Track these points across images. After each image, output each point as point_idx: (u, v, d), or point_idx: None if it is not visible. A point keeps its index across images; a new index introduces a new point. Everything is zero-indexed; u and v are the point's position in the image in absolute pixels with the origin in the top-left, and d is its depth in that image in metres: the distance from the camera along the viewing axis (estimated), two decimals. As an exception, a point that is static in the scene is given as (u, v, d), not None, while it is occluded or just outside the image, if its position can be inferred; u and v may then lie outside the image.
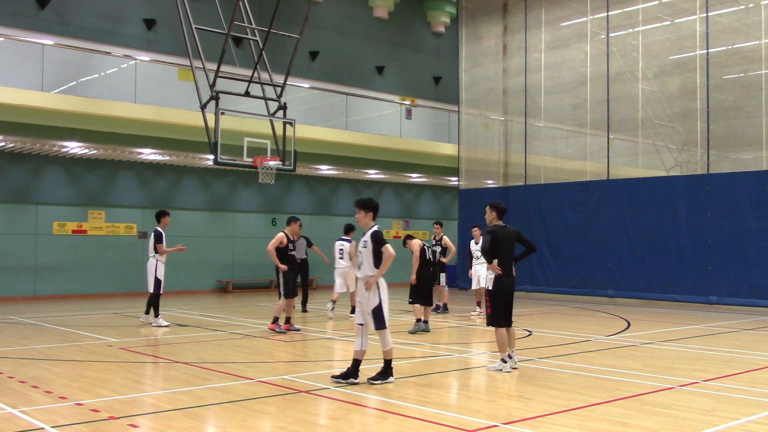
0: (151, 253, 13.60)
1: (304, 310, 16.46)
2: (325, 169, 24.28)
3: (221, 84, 15.11)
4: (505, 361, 8.81)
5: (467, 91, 24.15)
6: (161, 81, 20.19)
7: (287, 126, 15.63)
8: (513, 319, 9.15)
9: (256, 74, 15.70)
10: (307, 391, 7.59)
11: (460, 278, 22.59)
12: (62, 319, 14.81)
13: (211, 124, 14.71)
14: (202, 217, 23.30)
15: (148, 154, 20.65)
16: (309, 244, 16.75)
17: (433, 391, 7.81)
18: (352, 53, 27.01)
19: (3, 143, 18.66)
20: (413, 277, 13.15)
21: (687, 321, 15.05)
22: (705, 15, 18.34)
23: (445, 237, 15.95)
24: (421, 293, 12.98)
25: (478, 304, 15.92)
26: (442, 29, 29.64)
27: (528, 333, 12.66)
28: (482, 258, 15.15)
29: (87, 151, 19.89)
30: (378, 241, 8.04)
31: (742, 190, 17.38)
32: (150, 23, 22.00)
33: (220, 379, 8.33)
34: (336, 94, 23.90)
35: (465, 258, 19.05)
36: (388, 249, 7.98)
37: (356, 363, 8.03)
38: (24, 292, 19.82)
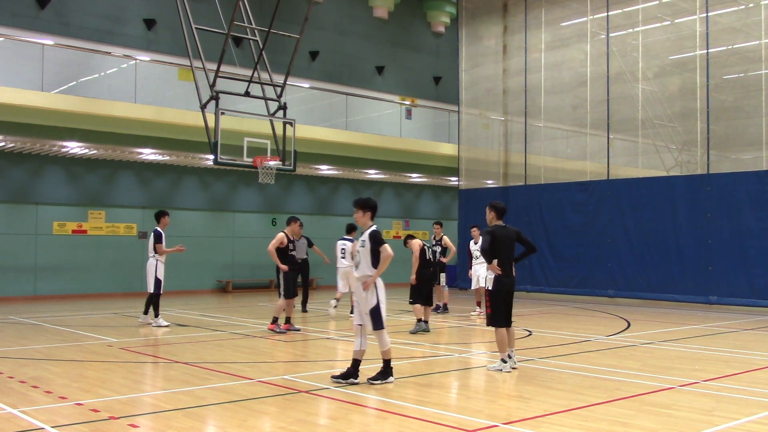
0: (151, 253, 13.60)
1: (304, 310, 16.46)
2: (325, 169, 24.28)
3: (221, 84, 15.11)
4: (505, 361, 8.81)
5: (467, 91, 24.15)
6: (161, 81, 20.20)
7: (287, 126, 15.63)
8: (513, 319, 9.15)
9: (256, 74, 15.70)
10: (307, 391, 7.59)
11: (460, 278, 22.59)
12: (62, 319, 14.81)
13: (211, 124, 14.71)
14: (202, 217, 23.30)
15: (148, 154, 20.66)
16: (310, 245, 16.75)
17: (433, 391, 7.81)
18: (352, 53, 27.01)
19: (3, 143, 18.66)
20: (413, 277, 13.15)
21: (687, 321, 15.05)
22: (705, 15, 18.34)
23: (445, 237, 15.95)
24: (421, 293, 12.98)
25: (478, 304, 15.93)
26: (442, 29, 29.65)
27: (528, 333, 12.66)
28: (482, 258, 15.21)
29: (87, 151, 19.89)
30: (376, 240, 8.03)
31: (742, 190, 17.38)
32: (150, 23, 22.00)
33: (220, 379, 8.33)
34: (336, 94, 23.90)
35: (465, 258, 19.05)
36: (387, 249, 7.97)
37: (356, 363, 8.03)
38: (24, 292, 19.82)
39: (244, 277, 23.98)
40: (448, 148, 24.82)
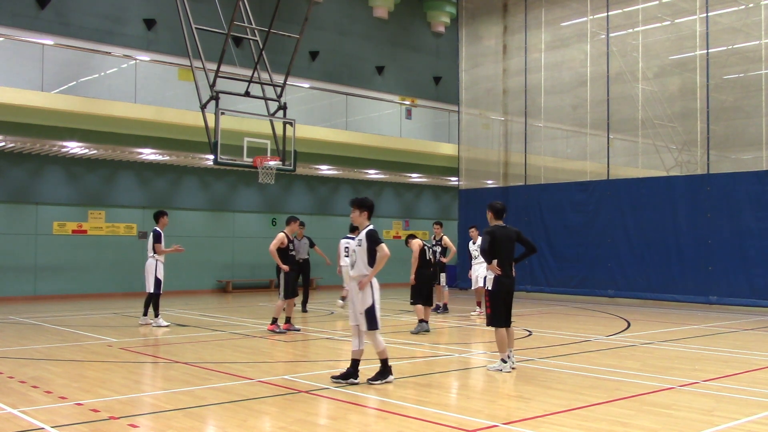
0: (150, 253, 13.61)
1: (304, 310, 16.46)
2: (325, 169, 24.28)
3: (221, 84, 15.11)
4: (505, 361, 8.81)
5: (467, 91, 24.15)
6: (161, 81, 20.19)
7: (287, 126, 15.62)
8: (513, 319, 9.15)
9: (256, 74, 15.70)
10: (307, 391, 7.60)
11: (460, 278, 22.59)
12: (62, 319, 14.81)
13: (211, 124, 14.71)
14: (202, 217, 23.30)
15: (148, 154, 20.66)
16: (312, 245, 16.74)
17: (433, 391, 7.80)
18: (352, 53, 27.01)
19: (3, 143, 18.66)
20: (412, 277, 13.16)
21: (687, 321, 15.05)
22: (705, 15, 18.34)
23: (445, 237, 15.96)
24: (421, 293, 12.99)
25: (478, 304, 15.92)
26: (442, 29, 29.65)
27: (528, 333, 12.66)
28: (481, 258, 15.21)
29: (87, 151, 19.90)
30: (373, 240, 8.03)
31: (742, 190, 17.38)
32: (150, 23, 22.00)
33: (220, 379, 8.33)
34: (336, 94, 23.90)
35: (465, 258, 19.05)
36: (383, 248, 7.97)
37: (355, 363, 8.03)
38: (24, 292, 19.82)
39: (244, 277, 23.98)
40: (448, 148, 24.82)
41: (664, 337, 12.23)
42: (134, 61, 19.73)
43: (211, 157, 15.18)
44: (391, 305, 17.71)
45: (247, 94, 15.55)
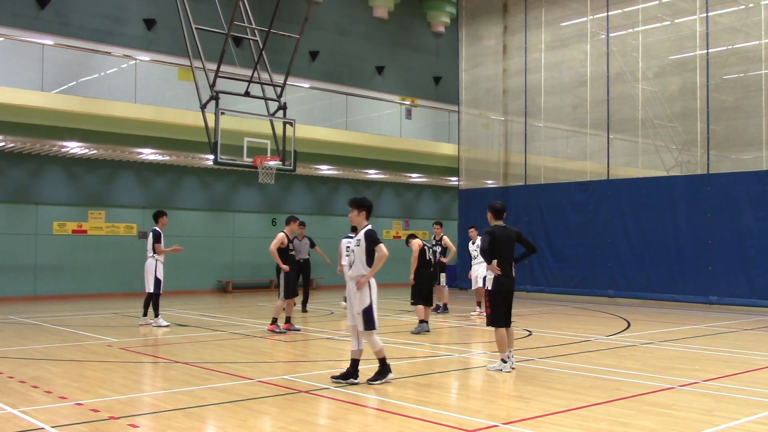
0: (150, 253, 13.61)
1: (304, 310, 16.46)
2: (325, 169, 24.28)
3: (221, 84, 15.11)
4: (505, 361, 8.81)
5: (467, 91, 24.15)
6: (161, 81, 20.19)
7: (287, 126, 15.62)
8: (513, 319, 9.15)
9: (256, 74, 15.70)
10: (307, 391, 7.59)
11: (460, 278, 22.59)
12: (62, 319, 14.81)
13: (211, 124, 14.71)
14: (202, 217, 23.30)
15: (148, 154, 20.66)
16: (312, 245, 16.74)
17: (433, 391, 7.80)
18: (352, 53, 27.01)
19: (3, 143, 18.66)
20: (411, 277, 13.16)
21: (687, 321, 15.05)
22: (705, 15, 18.33)
23: (445, 237, 15.95)
24: (421, 293, 12.99)
25: (478, 304, 15.92)
26: (442, 29, 29.65)
27: (528, 333, 12.65)
28: (480, 258, 15.23)
29: (87, 151, 19.90)
30: (372, 239, 8.02)
31: (742, 190, 17.37)
32: (150, 23, 22.00)
33: (220, 379, 8.33)
34: (336, 94, 23.89)
35: (465, 258, 19.06)
36: (382, 248, 7.96)
37: (355, 363, 8.03)
38: (24, 292, 19.82)
39: (244, 277, 23.98)
40: (448, 148, 24.82)
41: (664, 337, 12.23)
42: (134, 61, 19.73)
43: (211, 157, 15.18)
44: (391, 305, 17.71)
45: (247, 94, 15.55)
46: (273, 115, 15.80)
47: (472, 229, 16.17)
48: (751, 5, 18.26)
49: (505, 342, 8.85)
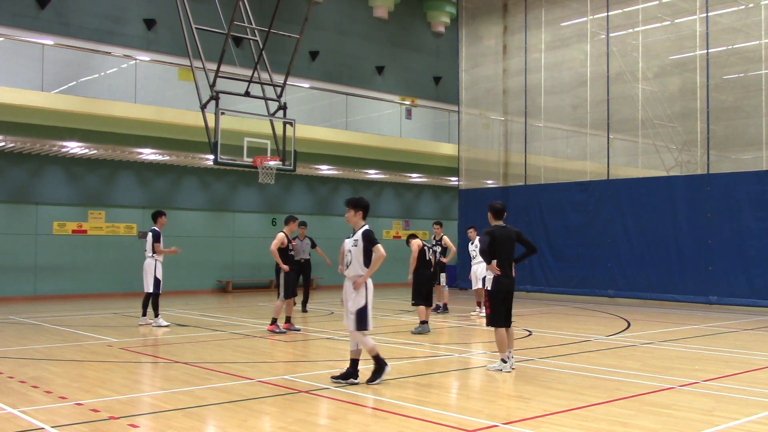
0: (149, 253, 13.61)
1: (304, 310, 16.46)
2: (325, 169, 24.28)
3: (221, 84, 15.11)
4: (505, 361, 8.81)
5: (467, 91, 24.15)
6: (161, 81, 20.19)
7: (287, 126, 15.62)
8: (513, 319, 9.15)
9: (256, 74, 15.69)
10: (307, 391, 7.59)
11: (460, 278, 22.59)
12: (62, 319, 14.81)
13: (211, 124, 14.70)
14: (202, 217, 23.30)
15: (148, 154, 20.66)
16: (313, 245, 16.73)
17: (433, 391, 7.80)
18: (352, 53, 27.01)
19: (3, 143, 18.66)
20: (409, 277, 13.17)
21: (687, 321, 15.05)
22: (705, 15, 18.34)
23: (445, 237, 15.95)
24: (421, 293, 12.99)
25: (478, 304, 15.92)
26: (442, 29, 29.64)
27: (528, 333, 12.66)
28: (479, 258, 15.22)
29: (87, 151, 19.89)
30: (369, 240, 8.01)
31: (742, 190, 17.38)
32: (150, 23, 22.00)
33: (220, 379, 8.33)
34: (336, 94, 23.90)
35: (465, 258, 19.06)
36: (379, 249, 7.95)
37: (354, 363, 8.03)
38: (24, 292, 19.82)
39: (244, 277, 23.98)
40: (448, 148, 24.82)
41: (664, 337, 12.23)
42: (134, 61, 19.73)
43: (211, 157, 15.17)
44: (391, 305, 17.72)
45: (247, 94, 15.55)
46: (273, 115, 15.80)
47: (471, 230, 16.18)
48: (751, 5, 18.26)
49: (505, 342, 8.85)
